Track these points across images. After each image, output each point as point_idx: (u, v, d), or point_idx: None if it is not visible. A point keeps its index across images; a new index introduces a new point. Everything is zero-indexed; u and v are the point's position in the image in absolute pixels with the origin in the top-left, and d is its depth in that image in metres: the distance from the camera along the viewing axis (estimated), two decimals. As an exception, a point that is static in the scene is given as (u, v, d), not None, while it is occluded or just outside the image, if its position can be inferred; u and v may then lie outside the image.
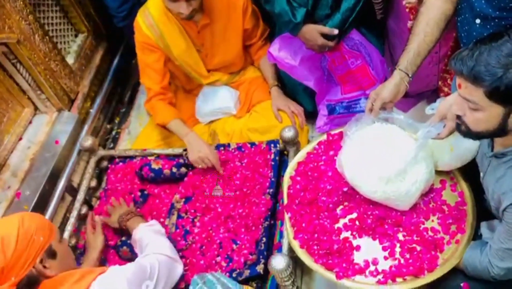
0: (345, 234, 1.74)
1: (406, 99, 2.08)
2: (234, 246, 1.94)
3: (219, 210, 2.07)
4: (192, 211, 2.10)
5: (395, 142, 1.72)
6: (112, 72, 3.14)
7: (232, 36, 2.40)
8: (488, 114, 1.29)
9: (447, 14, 1.69)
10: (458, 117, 1.38)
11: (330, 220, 1.76)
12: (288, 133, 2.09)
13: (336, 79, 2.47)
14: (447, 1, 1.68)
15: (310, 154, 1.98)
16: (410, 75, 1.72)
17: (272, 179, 2.07)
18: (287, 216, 1.83)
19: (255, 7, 2.42)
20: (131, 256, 1.98)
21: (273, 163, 2.12)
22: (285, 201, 1.87)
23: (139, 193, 2.23)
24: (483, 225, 1.70)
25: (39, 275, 1.46)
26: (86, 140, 2.31)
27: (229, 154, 2.21)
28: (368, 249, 1.69)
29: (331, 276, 1.65)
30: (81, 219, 2.19)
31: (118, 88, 3.25)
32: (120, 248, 2.00)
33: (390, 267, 1.64)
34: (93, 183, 2.30)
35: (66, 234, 2.09)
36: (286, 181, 1.92)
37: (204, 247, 1.98)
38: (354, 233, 1.73)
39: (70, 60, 2.84)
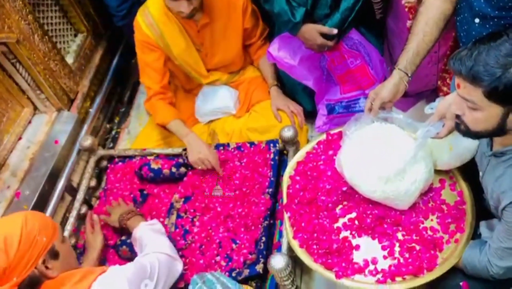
0: (345, 233, 1.74)
1: (405, 98, 2.08)
2: (234, 246, 1.94)
3: (219, 209, 2.07)
4: (192, 210, 2.10)
5: (394, 141, 1.72)
6: (112, 71, 3.14)
7: (232, 35, 2.40)
8: (487, 114, 1.29)
9: (446, 14, 1.69)
10: (457, 116, 1.38)
11: (329, 220, 1.77)
12: (288, 133, 2.09)
13: (336, 79, 2.47)
14: (446, 1, 1.68)
15: (309, 153, 1.98)
16: (409, 75, 1.72)
17: (272, 179, 2.07)
18: (286, 215, 1.83)
19: (255, 6, 2.42)
20: (131, 256, 1.98)
21: (272, 162, 2.12)
22: (285, 200, 1.87)
23: (138, 193, 2.23)
24: (482, 224, 1.70)
25: (41, 276, 1.45)
26: (86, 140, 2.31)
27: (228, 154, 2.21)
28: (367, 248, 1.70)
29: (331, 275, 1.65)
30: (81, 218, 2.19)
31: (117, 88, 3.25)
32: (119, 248, 2.00)
33: (390, 266, 1.64)
34: (93, 183, 2.31)
35: (65, 234, 2.09)
36: (285, 181, 1.92)
37: (203, 247, 1.98)
38: (354, 232, 1.73)
39: (69, 59, 2.84)
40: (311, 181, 1.87)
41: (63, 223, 2.34)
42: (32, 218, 1.46)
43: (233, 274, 1.84)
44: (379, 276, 1.63)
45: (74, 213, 2.17)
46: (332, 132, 2.00)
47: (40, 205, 2.27)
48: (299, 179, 1.89)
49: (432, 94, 2.38)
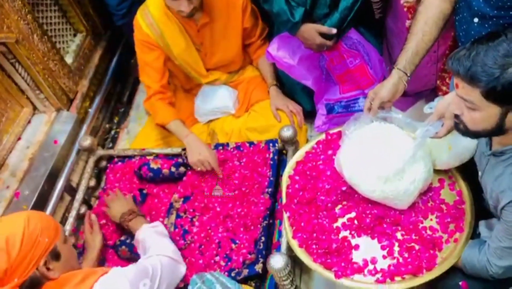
0: (344, 233, 1.74)
1: (404, 98, 2.08)
2: (233, 246, 1.94)
3: (218, 209, 2.07)
4: (191, 210, 2.10)
5: (393, 141, 1.72)
6: (111, 71, 3.14)
7: (231, 34, 2.40)
8: (485, 114, 1.29)
9: (445, 13, 1.69)
10: (456, 116, 1.38)
11: (328, 219, 1.77)
12: (287, 133, 2.09)
13: (335, 79, 2.47)
14: (445, 0, 1.68)
15: (308, 153, 1.98)
16: (408, 74, 1.72)
17: (271, 179, 2.07)
18: (285, 215, 1.83)
19: (254, 6, 2.42)
20: (130, 256, 1.99)
21: (271, 162, 2.12)
22: (284, 200, 1.87)
23: (138, 193, 2.22)
24: (482, 224, 1.70)
25: (42, 277, 1.44)
26: (85, 140, 2.31)
27: (228, 154, 2.21)
28: (366, 248, 1.70)
29: (330, 275, 1.66)
30: (80, 218, 2.19)
31: (117, 88, 3.25)
32: (119, 248, 2.00)
33: (389, 266, 1.64)
34: (92, 183, 2.31)
35: (65, 234, 2.09)
36: (284, 181, 1.92)
37: (203, 247, 1.98)
38: (353, 232, 1.73)
39: (68, 59, 2.84)
40: (311, 181, 1.87)
41: (63, 223, 2.34)
42: (34, 219, 1.45)
43: (233, 274, 1.84)
44: (379, 275, 1.63)
45: (73, 213, 2.17)
46: (331, 131, 2.00)
47: (40, 205, 2.27)
48: (299, 179, 1.89)
49: (431, 93, 2.39)
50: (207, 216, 2.07)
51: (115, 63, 3.18)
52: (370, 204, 1.75)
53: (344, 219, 1.77)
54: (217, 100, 2.53)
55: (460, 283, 1.62)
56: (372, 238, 1.71)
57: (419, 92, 2.42)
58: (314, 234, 1.73)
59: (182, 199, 2.15)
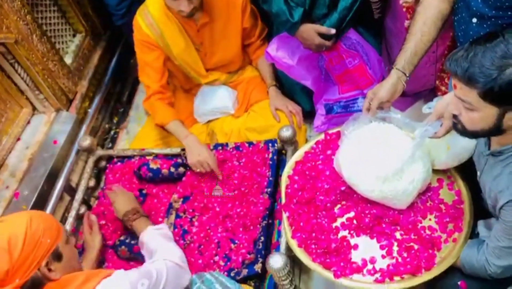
0: (343, 233, 1.74)
1: (403, 98, 2.09)
2: (232, 246, 1.95)
3: (217, 209, 2.07)
4: (190, 210, 2.11)
5: (392, 141, 1.73)
6: (111, 71, 3.14)
7: (231, 34, 2.40)
8: (483, 114, 1.29)
9: (444, 14, 1.69)
10: (454, 116, 1.39)
11: (327, 219, 1.77)
12: (286, 133, 2.09)
13: (334, 79, 2.47)
14: (444, 1, 1.68)
15: (307, 153, 1.98)
16: (407, 75, 1.72)
17: (270, 179, 2.07)
18: (285, 215, 1.83)
19: (254, 6, 2.42)
20: (130, 256, 1.99)
21: (271, 162, 2.12)
22: (283, 200, 1.88)
23: (137, 193, 2.23)
24: (480, 224, 1.71)
25: (43, 278, 1.43)
26: (85, 140, 2.32)
27: (227, 154, 2.22)
28: (365, 248, 1.70)
29: (329, 275, 1.66)
30: (80, 219, 2.19)
31: (116, 88, 3.25)
32: (118, 248, 2.01)
33: (388, 265, 1.64)
34: (92, 183, 2.31)
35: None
36: (284, 180, 1.93)
37: (202, 247, 1.99)
38: (352, 232, 1.73)
39: (68, 60, 2.84)
40: (310, 181, 1.87)
41: (62, 223, 2.32)
42: (37, 219, 1.44)
43: (232, 274, 1.84)
44: (377, 275, 1.63)
45: (73, 213, 2.17)
46: (330, 131, 2.00)
47: (39, 205, 2.27)
48: (298, 178, 1.90)
49: (430, 93, 2.39)
50: (206, 216, 2.07)
51: (115, 63, 3.18)
52: (369, 204, 1.75)
53: (343, 219, 1.77)
54: (216, 100, 2.53)
55: (459, 282, 1.62)
56: (371, 237, 1.71)
57: (418, 92, 2.42)
58: (313, 234, 1.73)
59: (181, 199, 2.15)
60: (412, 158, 1.66)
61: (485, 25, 1.54)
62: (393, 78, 1.72)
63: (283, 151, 2.18)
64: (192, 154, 2.15)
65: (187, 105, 2.60)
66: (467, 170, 1.73)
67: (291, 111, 2.43)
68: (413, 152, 1.65)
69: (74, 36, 3.01)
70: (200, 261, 1.93)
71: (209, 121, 2.60)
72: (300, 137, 2.40)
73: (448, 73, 2.15)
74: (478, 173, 1.58)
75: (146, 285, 1.49)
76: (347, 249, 1.69)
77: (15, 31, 2.30)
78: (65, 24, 2.92)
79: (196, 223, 2.06)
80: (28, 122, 2.60)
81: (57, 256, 1.45)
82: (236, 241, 1.96)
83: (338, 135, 1.94)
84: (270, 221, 1.99)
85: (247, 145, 2.23)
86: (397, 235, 1.70)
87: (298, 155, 2.00)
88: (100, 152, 2.37)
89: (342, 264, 1.66)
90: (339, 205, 1.80)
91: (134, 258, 2.00)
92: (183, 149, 2.22)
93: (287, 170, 1.96)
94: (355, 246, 1.70)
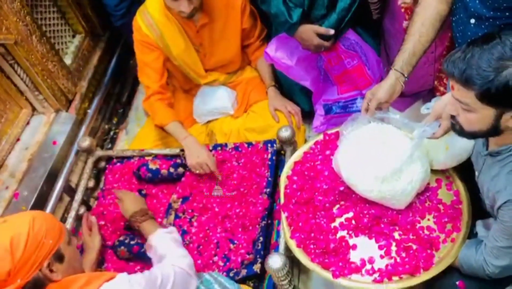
0: (342, 233, 1.74)
1: (402, 98, 2.08)
2: (231, 246, 1.95)
3: (216, 209, 2.07)
4: (190, 211, 2.11)
5: (390, 141, 1.73)
6: (110, 72, 3.14)
7: (230, 35, 2.41)
8: (480, 116, 1.29)
9: (442, 15, 1.70)
10: (453, 117, 1.39)
11: (326, 219, 1.77)
12: (285, 133, 2.09)
13: (333, 79, 2.48)
14: (442, 2, 1.68)
15: (306, 153, 1.99)
16: (405, 75, 1.73)
17: (269, 179, 2.08)
18: (283, 215, 1.83)
19: (253, 7, 2.43)
20: (129, 256, 1.99)
21: (270, 162, 2.13)
22: (282, 200, 1.88)
23: (137, 193, 2.23)
24: (479, 224, 1.71)
25: (45, 279, 1.42)
26: (84, 141, 2.32)
27: (226, 154, 2.22)
28: (364, 248, 1.70)
29: (328, 275, 1.66)
30: (79, 219, 2.18)
31: (116, 89, 3.25)
32: (117, 248, 2.01)
33: (386, 265, 1.65)
34: (91, 184, 2.31)
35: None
36: (283, 181, 1.93)
37: (201, 247, 1.99)
38: (350, 232, 1.74)
39: (67, 60, 2.85)
40: (308, 181, 1.87)
41: (62, 223, 2.34)
42: (39, 219, 1.43)
43: (231, 274, 1.84)
44: (376, 275, 1.63)
45: (72, 213, 2.17)
46: (329, 132, 2.01)
47: (39, 205, 2.27)
48: (297, 179, 1.90)
49: (429, 94, 2.39)
50: (205, 216, 2.08)
51: (114, 64, 3.19)
52: (368, 204, 1.75)
53: (342, 219, 1.77)
54: (215, 100, 2.54)
55: (457, 282, 1.62)
56: (370, 238, 1.72)
57: (416, 93, 2.42)
58: (312, 234, 1.74)
59: (180, 200, 2.15)
60: (410, 158, 1.66)
61: (483, 26, 1.55)
62: (391, 79, 1.73)
63: (282, 152, 2.18)
64: (191, 156, 2.15)
65: (186, 106, 2.60)
66: (465, 170, 1.74)
67: (290, 111, 2.44)
68: (411, 153, 1.65)
69: (73, 37, 3.02)
70: (199, 262, 1.93)
71: (208, 122, 2.60)
72: (299, 137, 2.41)
73: (447, 73, 2.15)
74: (476, 173, 1.59)
75: (143, 286, 1.46)
76: (346, 249, 1.69)
77: (15, 32, 2.31)
78: (64, 25, 2.93)
79: (195, 224, 2.07)
80: (28, 123, 2.61)
81: (59, 257, 1.45)
82: (235, 242, 1.96)
83: (337, 135, 1.94)
84: (269, 221, 1.99)
85: (246, 145, 2.23)
86: (396, 235, 1.71)
87: (297, 155, 2.00)
88: (99, 152, 2.37)
89: (340, 264, 1.66)
90: (337, 205, 1.81)
91: (134, 258, 2.00)
92: (182, 150, 2.22)
93: (286, 170, 1.96)
94: (354, 246, 1.71)
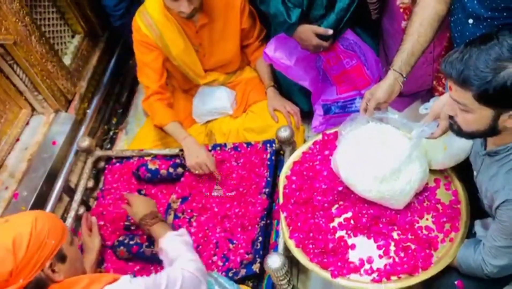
0: (340, 233, 1.75)
1: (401, 98, 2.09)
2: (231, 246, 1.95)
3: (216, 210, 2.08)
4: (189, 211, 2.11)
5: (389, 141, 1.73)
6: (109, 72, 3.14)
7: (230, 35, 2.41)
8: (478, 116, 1.30)
9: (440, 15, 1.70)
10: (451, 117, 1.40)
11: (325, 219, 1.77)
12: (284, 133, 2.10)
13: (332, 79, 2.48)
14: (440, 2, 1.69)
15: (305, 153, 1.99)
16: (404, 75, 1.73)
17: (268, 179, 2.08)
18: (282, 215, 1.84)
19: (252, 8, 2.43)
20: (128, 256, 2.00)
21: (269, 162, 2.13)
22: (281, 200, 1.88)
23: (136, 194, 2.23)
24: (477, 224, 1.71)
25: (47, 279, 1.41)
26: (83, 141, 2.32)
27: (225, 154, 2.22)
28: (363, 247, 1.71)
29: (326, 274, 1.66)
30: (79, 219, 2.18)
31: (115, 89, 3.25)
32: (117, 248, 2.01)
33: (385, 265, 1.65)
34: (90, 184, 2.31)
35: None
36: (282, 181, 1.93)
37: (200, 247, 1.99)
38: (349, 232, 1.74)
39: (67, 61, 2.85)
40: (307, 181, 1.87)
41: (61, 223, 2.34)
42: (42, 219, 1.42)
43: (230, 274, 1.85)
44: (375, 275, 1.64)
45: (72, 213, 2.17)
46: (328, 132, 2.01)
47: (38, 206, 2.28)
48: (295, 179, 1.90)
49: (427, 94, 2.39)
50: (204, 216, 2.08)
51: (113, 64, 3.19)
52: (366, 204, 1.76)
53: (341, 219, 1.77)
54: (215, 101, 2.54)
55: (456, 282, 1.63)
56: (368, 237, 1.72)
57: (415, 93, 2.42)
58: (311, 234, 1.74)
59: (180, 200, 2.15)
60: (409, 158, 1.66)
61: (481, 26, 1.55)
62: (390, 79, 1.73)
63: (281, 152, 2.19)
64: (191, 156, 2.15)
65: (185, 106, 2.60)
66: (464, 170, 1.74)
67: (289, 111, 2.44)
68: (410, 153, 1.66)
69: (72, 37, 3.02)
70: (198, 262, 1.94)
71: (207, 122, 2.60)
72: (298, 137, 2.41)
73: (446, 73, 2.15)
74: (475, 173, 1.59)
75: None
76: (345, 249, 1.70)
77: (14, 33, 2.31)
78: (63, 25, 2.93)
79: (194, 224, 2.07)
80: (27, 123, 2.61)
81: (61, 257, 1.44)
82: (234, 241, 1.96)
83: (336, 135, 1.94)
84: (268, 221, 2.00)
85: (245, 145, 2.24)
86: (394, 235, 1.71)
87: (296, 155, 2.01)
88: (99, 152, 2.37)
89: (339, 264, 1.67)
90: (336, 205, 1.81)
91: (133, 258, 2.01)
92: (182, 150, 2.22)
93: (285, 170, 1.96)
94: (353, 246, 1.71)
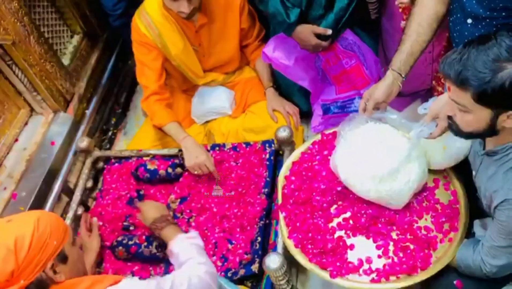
0: (339, 233, 1.75)
1: (400, 98, 2.09)
2: (229, 246, 1.95)
3: (215, 210, 2.07)
4: (188, 211, 2.11)
5: (388, 141, 1.73)
6: (108, 73, 3.14)
7: (229, 35, 2.41)
8: (477, 116, 1.30)
9: (439, 15, 1.70)
10: (449, 117, 1.40)
11: (324, 220, 1.77)
12: (283, 133, 2.10)
13: (331, 79, 2.48)
14: (439, 2, 1.68)
15: (304, 154, 1.99)
16: (403, 76, 1.73)
17: (267, 179, 2.08)
18: (281, 215, 1.84)
19: (251, 7, 2.43)
20: (127, 256, 1.99)
21: (268, 163, 2.13)
22: (280, 200, 1.88)
23: (135, 194, 2.23)
24: (476, 223, 1.71)
25: (48, 280, 1.40)
26: (82, 141, 2.32)
27: (224, 154, 2.22)
28: (361, 248, 1.70)
29: (325, 275, 1.66)
30: (78, 219, 2.18)
31: (114, 89, 3.24)
32: (115, 249, 2.01)
33: (384, 265, 1.65)
34: (89, 184, 2.31)
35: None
36: (280, 181, 1.93)
37: (199, 247, 1.99)
38: (348, 232, 1.74)
39: (65, 61, 2.85)
40: (306, 181, 1.87)
41: (60, 224, 2.34)
42: (44, 220, 1.41)
43: (229, 274, 1.85)
44: (374, 275, 1.64)
45: (70, 214, 2.17)
46: (327, 132, 2.01)
47: (37, 206, 2.27)
48: (294, 179, 1.90)
49: (427, 94, 2.39)
50: (203, 216, 2.08)
51: (112, 64, 3.18)
52: (365, 204, 1.75)
53: (340, 219, 1.77)
54: (214, 101, 2.54)
55: (455, 282, 1.62)
56: (367, 238, 1.72)
57: (414, 93, 2.42)
58: (310, 234, 1.74)
59: (178, 200, 2.15)
60: (408, 158, 1.66)
61: (479, 26, 1.55)
62: (389, 79, 1.73)
63: (280, 152, 2.18)
64: (190, 157, 2.15)
65: (184, 106, 2.60)
66: (463, 170, 1.74)
67: (288, 111, 2.44)
68: (409, 153, 1.65)
69: (71, 37, 3.01)
70: (197, 262, 1.93)
71: (206, 122, 2.60)
72: (298, 137, 2.41)
73: (445, 73, 2.15)
74: (474, 173, 1.59)
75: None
76: (343, 249, 1.70)
77: (13, 33, 2.30)
78: (62, 25, 2.93)
79: (193, 224, 2.07)
80: (26, 123, 2.60)
81: (62, 258, 1.43)
82: (233, 242, 1.96)
83: (335, 135, 1.94)
84: (267, 221, 2.00)
85: (244, 145, 2.23)
86: (393, 235, 1.71)
87: (295, 155, 2.01)
88: (97, 153, 2.37)
89: (338, 264, 1.67)
90: (335, 205, 1.81)
91: (132, 258, 2.00)
92: (181, 150, 2.22)
93: (284, 170, 1.96)
94: (351, 246, 1.71)
